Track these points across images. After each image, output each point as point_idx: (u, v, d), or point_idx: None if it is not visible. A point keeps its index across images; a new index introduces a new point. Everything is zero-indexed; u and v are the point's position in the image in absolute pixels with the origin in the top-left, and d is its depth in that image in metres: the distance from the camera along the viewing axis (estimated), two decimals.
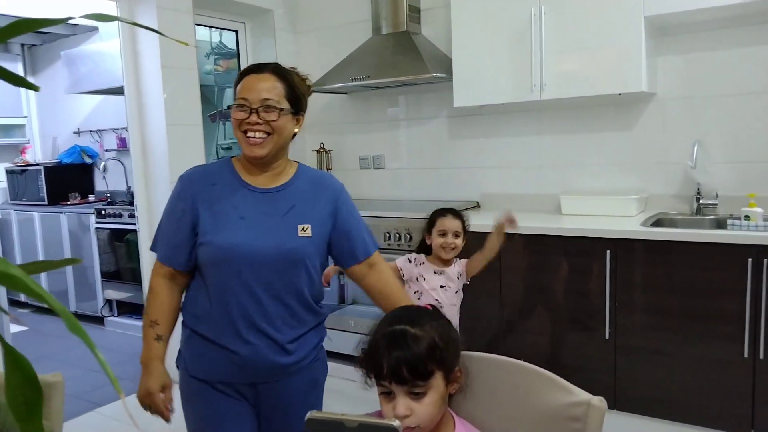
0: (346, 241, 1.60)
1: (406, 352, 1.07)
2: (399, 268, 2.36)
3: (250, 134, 1.47)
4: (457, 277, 2.34)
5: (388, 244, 3.22)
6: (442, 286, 2.32)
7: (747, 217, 2.56)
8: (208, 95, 4.06)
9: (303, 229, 1.50)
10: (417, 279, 2.33)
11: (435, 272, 2.33)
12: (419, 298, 2.30)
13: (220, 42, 4.08)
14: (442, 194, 3.70)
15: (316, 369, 1.59)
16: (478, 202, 3.57)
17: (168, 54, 3.25)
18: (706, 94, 2.89)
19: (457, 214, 2.32)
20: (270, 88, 1.49)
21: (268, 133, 1.49)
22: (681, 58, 2.93)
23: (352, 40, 3.74)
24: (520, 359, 1.22)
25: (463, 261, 2.35)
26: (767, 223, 2.54)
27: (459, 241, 2.29)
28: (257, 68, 1.53)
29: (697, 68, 2.90)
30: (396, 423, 0.88)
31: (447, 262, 2.34)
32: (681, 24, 2.88)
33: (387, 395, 1.10)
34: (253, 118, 1.47)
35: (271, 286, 1.46)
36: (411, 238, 3.14)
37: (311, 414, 0.89)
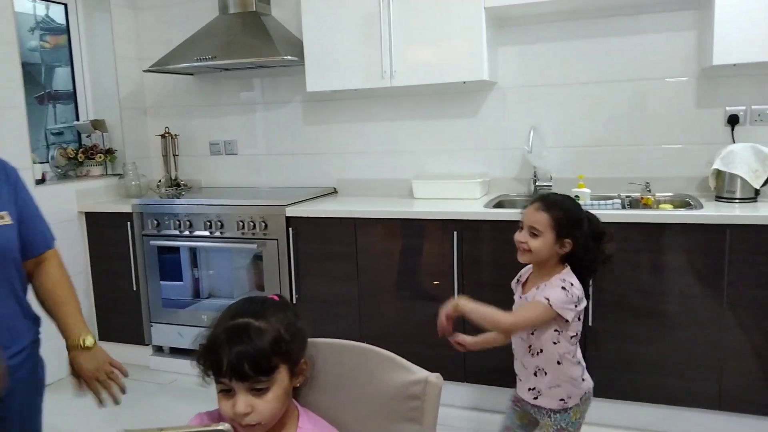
0: (25, 232, 1.44)
1: (248, 347, 1.01)
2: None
3: None
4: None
5: (242, 233, 3.12)
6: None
7: (577, 197, 2.79)
8: (34, 74, 3.65)
9: (1, 216, 1.36)
10: (580, 316, 1.77)
11: (520, 296, 1.86)
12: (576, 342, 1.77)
13: (47, 16, 3.67)
14: (299, 181, 3.65)
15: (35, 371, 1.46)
16: (335, 188, 3.56)
17: None
18: (541, 83, 3.09)
19: (545, 203, 1.73)
20: None
21: None
22: (519, 48, 3.11)
23: (196, 19, 3.54)
24: (378, 343, 1.20)
25: (553, 290, 1.69)
26: (594, 202, 2.79)
27: (536, 243, 1.71)
28: None
29: (533, 59, 3.10)
30: (224, 426, 0.82)
31: (538, 280, 1.77)
32: (519, 16, 3.05)
33: (227, 393, 1.03)
34: None
35: None
36: (266, 226, 3.06)
37: None
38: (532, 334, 1.75)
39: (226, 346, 1.01)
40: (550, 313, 1.66)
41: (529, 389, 1.79)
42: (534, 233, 1.72)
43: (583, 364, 1.83)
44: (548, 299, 1.65)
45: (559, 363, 1.73)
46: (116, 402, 1.47)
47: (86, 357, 1.45)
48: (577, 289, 1.71)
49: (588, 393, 1.81)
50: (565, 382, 1.75)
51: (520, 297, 1.84)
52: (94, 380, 1.46)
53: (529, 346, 1.78)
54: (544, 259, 1.74)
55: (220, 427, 0.81)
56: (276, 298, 1.15)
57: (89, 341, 1.46)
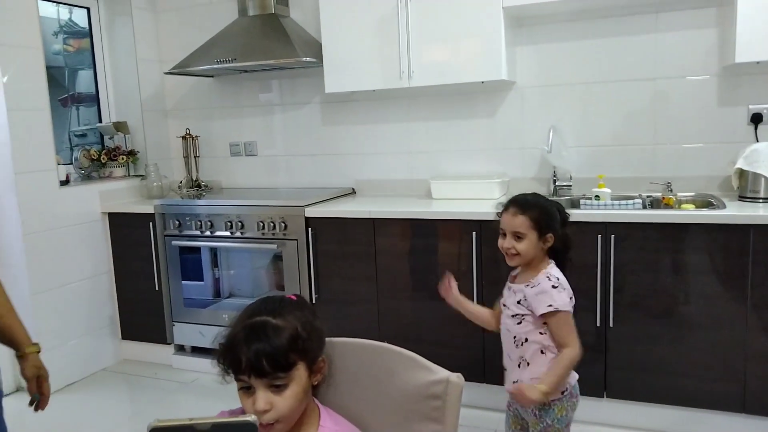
0: None
1: (266, 345, 1.02)
2: None
3: None
4: (520, 301, 1.77)
5: (263, 233, 3.14)
6: (504, 305, 1.85)
7: (597, 197, 2.78)
8: (58, 77, 3.71)
9: None
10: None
11: (508, 287, 1.86)
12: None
13: (70, 20, 3.74)
14: (318, 181, 3.67)
15: None
16: (353, 189, 3.58)
17: (5, 31, 2.93)
18: (560, 83, 3.08)
19: (520, 206, 1.77)
20: None
21: None
22: (538, 48, 3.10)
23: (216, 21, 3.58)
24: (397, 342, 1.21)
25: (542, 293, 1.72)
26: (614, 202, 2.77)
27: (523, 246, 1.74)
28: None
29: (552, 58, 3.08)
30: (252, 418, 0.84)
31: (527, 276, 1.80)
32: (537, 15, 3.04)
33: (246, 390, 1.05)
34: None
35: None
36: (286, 227, 3.08)
37: (155, 423, 0.82)
38: (519, 323, 1.77)
39: (245, 344, 1.03)
40: (569, 313, 1.74)
41: (513, 382, 1.79)
42: (518, 237, 1.76)
43: None
44: (555, 307, 1.70)
45: (542, 353, 1.75)
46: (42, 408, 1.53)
47: (39, 361, 1.54)
48: (563, 280, 1.78)
49: (570, 388, 1.78)
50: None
51: (509, 288, 1.86)
52: (47, 382, 1.54)
53: (514, 337, 1.79)
54: (530, 259, 1.79)
55: (248, 419, 0.82)
56: (293, 297, 1.16)
57: (38, 347, 1.55)
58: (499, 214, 1.84)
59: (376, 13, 3.01)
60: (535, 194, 1.88)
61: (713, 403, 2.45)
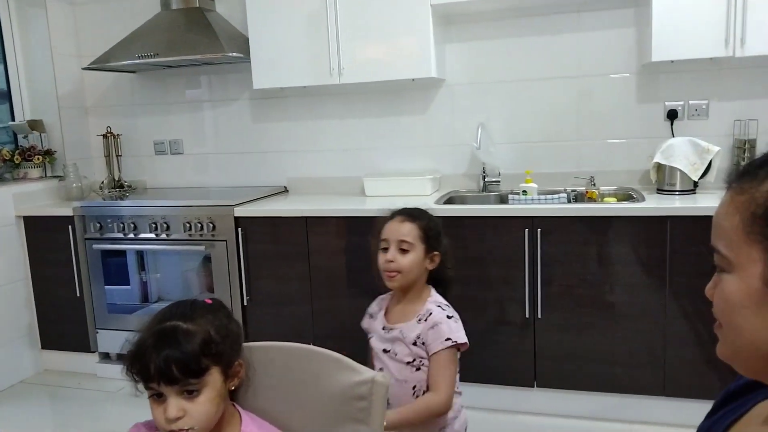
0: None
1: (176, 351, 0.99)
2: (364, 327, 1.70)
3: None
4: (416, 342, 1.54)
5: (190, 235, 3.04)
6: (386, 351, 1.59)
7: (525, 192, 2.83)
8: None
9: None
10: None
11: (384, 328, 1.62)
12: (381, 369, 1.59)
13: None
14: (249, 180, 3.58)
15: None
16: (285, 187, 3.52)
17: None
18: (488, 80, 3.12)
19: (409, 214, 1.59)
20: None
21: None
22: (466, 45, 3.13)
23: (137, 15, 3.43)
24: (332, 342, 1.19)
25: (438, 326, 1.53)
26: (541, 196, 2.83)
27: (407, 261, 1.53)
28: None
29: (480, 56, 3.12)
30: None
31: (409, 309, 1.57)
32: (464, 13, 3.07)
33: (158, 398, 1.01)
34: None
35: None
36: (214, 227, 2.99)
37: None
38: (418, 370, 1.52)
39: (154, 350, 1.00)
40: (456, 352, 1.52)
41: None
42: (403, 249, 1.54)
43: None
44: (454, 340, 1.51)
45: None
46: None
47: None
48: (451, 308, 1.58)
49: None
50: (451, 418, 1.59)
51: (386, 330, 1.59)
52: None
53: (414, 387, 1.54)
54: (413, 281, 1.56)
55: None
56: (209, 301, 1.12)
57: None
58: (383, 224, 1.61)
59: (304, 8, 2.96)
60: (421, 209, 1.69)
61: (637, 388, 2.55)
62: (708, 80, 2.84)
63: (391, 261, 1.53)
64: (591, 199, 2.83)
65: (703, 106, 2.85)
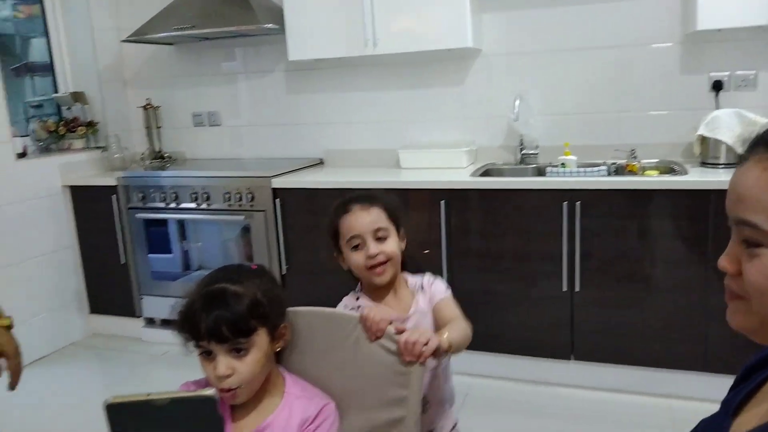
0: None
1: (225, 311, 1.02)
2: None
3: None
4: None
5: (229, 205, 3.10)
6: None
7: (563, 165, 2.80)
8: (9, 45, 3.56)
9: None
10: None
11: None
12: None
13: None
14: (285, 152, 3.62)
15: None
16: (321, 159, 3.54)
17: None
18: (526, 51, 3.06)
19: (366, 199, 1.42)
20: None
21: None
22: (503, 15, 3.07)
23: None
24: None
25: (434, 283, 1.45)
26: (580, 169, 2.79)
27: (391, 246, 1.37)
28: None
29: (518, 25, 3.06)
30: (211, 392, 0.82)
31: (400, 293, 1.42)
32: None
33: (207, 355, 1.05)
34: None
35: None
36: (253, 198, 3.04)
37: (111, 399, 0.80)
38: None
39: (203, 311, 1.03)
40: None
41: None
42: (380, 237, 1.36)
43: None
44: (446, 287, 1.44)
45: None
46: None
47: (8, 336, 1.46)
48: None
49: None
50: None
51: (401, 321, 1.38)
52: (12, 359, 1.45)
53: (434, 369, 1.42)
54: (397, 269, 1.40)
55: (206, 393, 0.81)
56: (254, 266, 1.16)
57: (10, 320, 1.47)
58: (335, 223, 1.41)
59: None
60: (369, 189, 1.54)
61: (676, 362, 2.53)
62: (756, 50, 2.73)
63: (378, 253, 1.34)
64: (631, 172, 2.78)
65: (751, 77, 2.75)
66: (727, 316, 0.69)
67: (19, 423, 2.64)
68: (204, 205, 3.16)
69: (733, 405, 0.73)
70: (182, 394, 0.83)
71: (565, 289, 2.60)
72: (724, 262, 0.67)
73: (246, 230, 3.14)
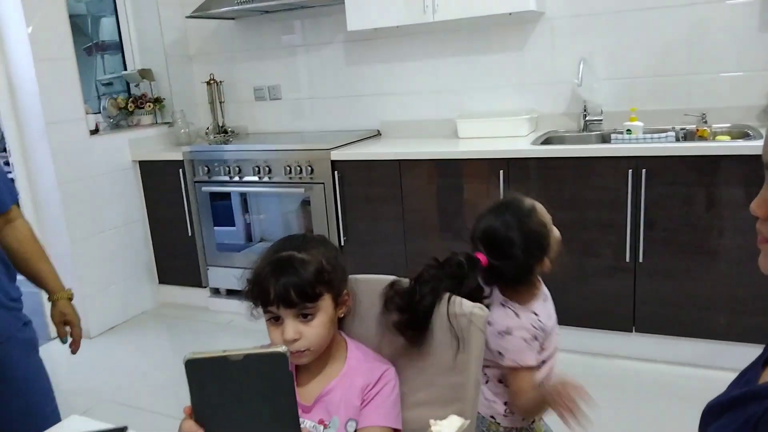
0: None
1: (293, 277, 1.05)
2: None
3: None
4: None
5: (290, 178, 3.16)
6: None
7: (629, 131, 2.70)
8: (80, 26, 3.70)
9: None
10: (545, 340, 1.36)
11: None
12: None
13: None
14: (343, 124, 3.64)
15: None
16: (378, 130, 3.55)
17: None
18: (591, 12, 2.95)
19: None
20: None
21: None
22: None
23: None
24: None
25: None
26: (646, 135, 2.69)
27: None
28: None
29: None
30: (283, 348, 0.86)
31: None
32: None
33: (275, 321, 1.09)
34: None
35: None
36: (312, 170, 3.09)
37: (190, 355, 0.85)
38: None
39: (272, 277, 1.06)
40: None
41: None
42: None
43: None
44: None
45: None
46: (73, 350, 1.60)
47: (71, 306, 1.58)
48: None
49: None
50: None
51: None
52: (78, 326, 1.58)
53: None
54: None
55: (279, 349, 0.85)
56: (317, 236, 1.19)
57: (70, 292, 1.59)
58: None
59: None
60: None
61: (743, 335, 2.43)
62: None
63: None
64: (702, 138, 2.66)
65: None
66: (759, 260, 0.67)
67: (95, 387, 2.82)
68: (266, 178, 3.23)
69: (764, 357, 0.74)
70: (256, 351, 0.86)
71: (627, 259, 2.53)
72: (755, 206, 0.67)
73: (306, 202, 3.20)
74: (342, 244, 3.08)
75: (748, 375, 0.75)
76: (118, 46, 3.80)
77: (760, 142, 2.28)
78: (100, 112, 3.57)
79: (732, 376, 0.70)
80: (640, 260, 2.52)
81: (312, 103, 3.72)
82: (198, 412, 0.88)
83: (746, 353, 2.47)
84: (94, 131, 3.41)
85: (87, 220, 3.30)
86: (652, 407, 2.35)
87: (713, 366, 2.50)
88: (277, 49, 3.73)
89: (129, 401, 2.68)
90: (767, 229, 0.67)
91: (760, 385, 0.68)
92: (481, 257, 1.27)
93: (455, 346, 1.12)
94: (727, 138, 2.60)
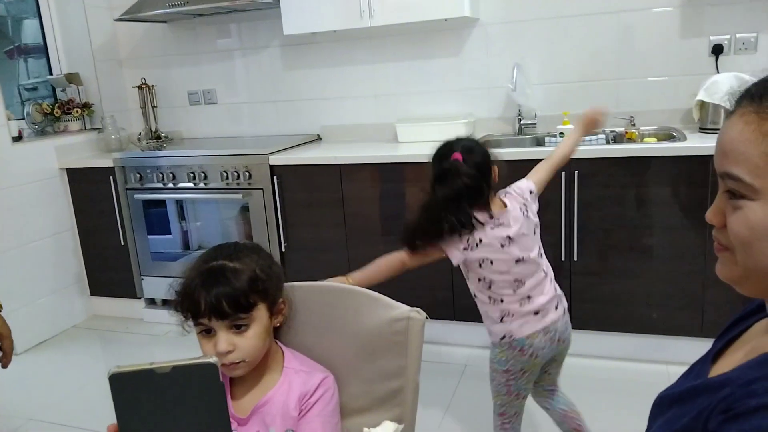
0: None
1: (225, 287, 1.02)
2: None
3: None
4: (529, 193, 1.80)
5: (227, 184, 3.09)
6: (509, 237, 1.64)
7: (562, 134, 2.78)
8: (1, 27, 3.52)
9: None
10: (481, 263, 1.65)
11: (496, 222, 1.66)
12: (490, 287, 1.69)
13: None
14: (282, 129, 3.60)
15: None
16: (318, 135, 3.52)
17: None
18: (524, 18, 3.02)
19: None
20: None
21: None
22: None
23: None
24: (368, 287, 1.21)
25: (525, 181, 1.85)
26: None
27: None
28: None
29: None
30: (212, 359, 0.83)
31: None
32: None
33: (207, 333, 1.05)
34: None
35: None
36: (251, 176, 3.03)
37: (114, 369, 0.81)
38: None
39: (203, 288, 1.03)
40: None
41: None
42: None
43: (508, 309, 1.69)
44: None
45: (474, 296, 1.76)
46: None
47: (0, 318, 1.50)
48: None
49: (509, 339, 1.67)
50: (484, 316, 1.77)
51: (499, 218, 1.72)
52: (9, 338, 1.50)
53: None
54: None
55: (209, 359, 0.82)
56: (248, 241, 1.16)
57: (0, 303, 1.52)
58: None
59: None
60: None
61: (674, 329, 2.54)
62: (758, 11, 2.69)
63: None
64: (630, 140, 2.76)
65: (752, 40, 2.72)
66: (716, 268, 0.70)
67: (23, 405, 2.67)
68: (202, 185, 3.15)
69: (713, 352, 0.77)
70: (184, 362, 0.83)
71: (563, 258, 2.60)
72: (710, 214, 0.70)
73: (244, 209, 3.13)
74: (283, 250, 3.04)
75: (697, 369, 0.78)
76: (43, 50, 3.63)
77: (685, 144, 2.40)
78: (23, 119, 3.40)
79: (666, 369, 0.72)
80: (575, 259, 2.59)
81: (249, 107, 3.66)
82: (124, 429, 0.84)
83: (678, 346, 2.59)
84: (18, 138, 3.24)
85: (12, 230, 3.13)
86: (590, 401, 2.40)
87: (650, 359, 2.59)
88: (213, 53, 3.65)
89: (59, 419, 2.54)
90: (724, 237, 0.69)
91: (711, 378, 0.70)
92: (457, 156, 1.69)
93: (394, 351, 1.12)
94: (654, 140, 2.71)
